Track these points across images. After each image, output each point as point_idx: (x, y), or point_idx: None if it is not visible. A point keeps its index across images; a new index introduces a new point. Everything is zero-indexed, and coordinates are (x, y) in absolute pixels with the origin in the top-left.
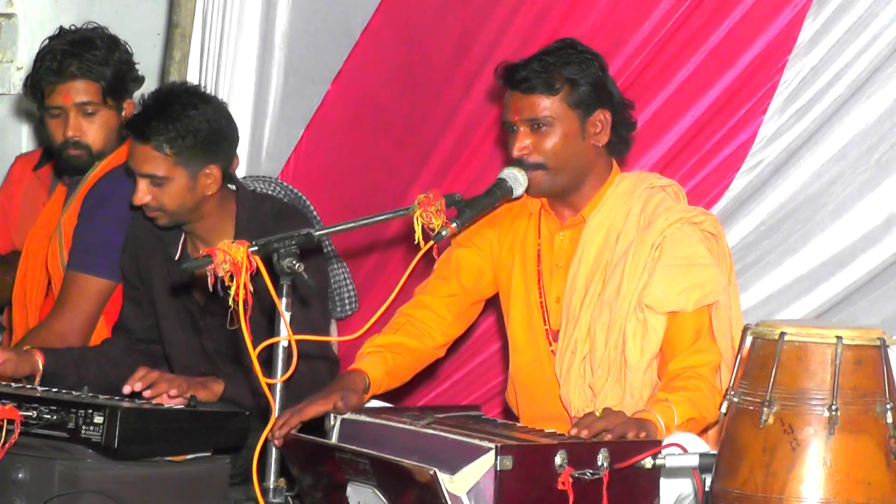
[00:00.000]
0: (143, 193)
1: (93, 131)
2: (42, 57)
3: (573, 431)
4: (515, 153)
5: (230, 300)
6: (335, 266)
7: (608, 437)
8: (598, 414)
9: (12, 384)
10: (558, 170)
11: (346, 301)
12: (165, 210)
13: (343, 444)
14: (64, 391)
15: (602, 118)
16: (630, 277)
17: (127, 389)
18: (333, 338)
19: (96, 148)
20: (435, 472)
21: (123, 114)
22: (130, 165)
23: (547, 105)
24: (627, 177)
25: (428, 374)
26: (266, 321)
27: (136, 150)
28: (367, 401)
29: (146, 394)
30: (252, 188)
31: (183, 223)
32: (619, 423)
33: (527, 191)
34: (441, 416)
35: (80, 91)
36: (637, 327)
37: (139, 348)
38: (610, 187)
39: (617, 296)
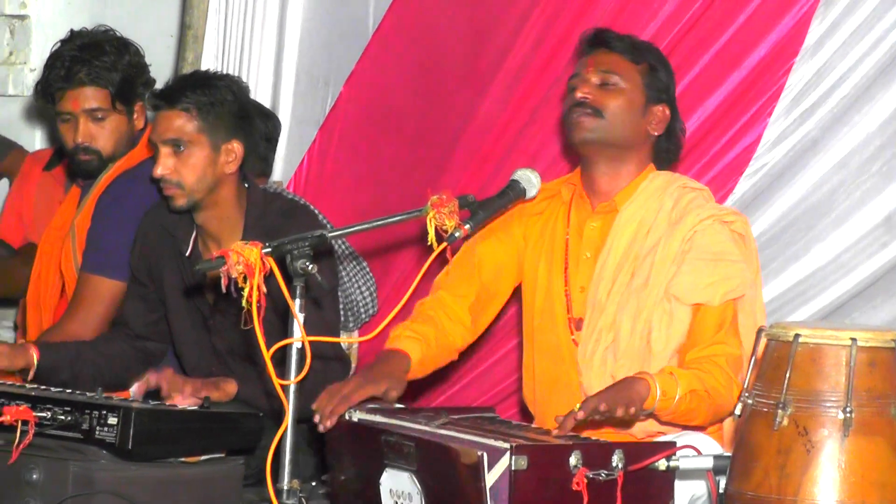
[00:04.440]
0: (164, 165)
1: (103, 137)
2: (52, 63)
3: (568, 421)
4: (578, 95)
5: (244, 301)
6: (352, 267)
7: (603, 405)
8: (576, 408)
9: (28, 386)
10: (611, 127)
11: (362, 308)
12: (184, 184)
13: (390, 425)
14: (78, 392)
15: (662, 112)
16: (659, 268)
17: (138, 394)
18: (348, 338)
19: (106, 153)
20: (482, 455)
21: (134, 117)
22: (153, 138)
23: (626, 68)
24: (661, 174)
25: (440, 374)
26: (279, 321)
27: (162, 118)
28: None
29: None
30: (262, 188)
31: (198, 207)
32: (605, 392)
33: (572, 136)
34: (455, 416)
35: (89, 97)
36: (663, 317)
37: (137, 345)
38: (644, 181)
39: (645, 285)
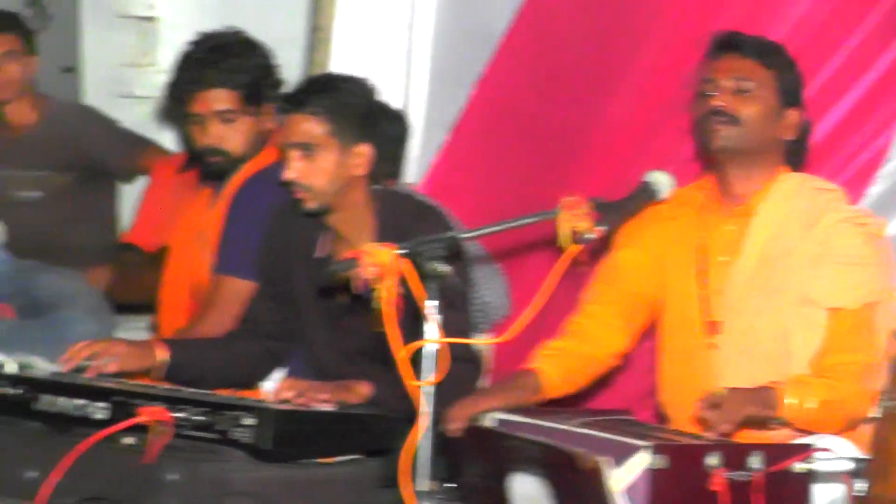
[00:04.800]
0: (293, 168)
1: (232, 138)
2: (180, 65)
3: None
4: (714, 103)
5: (376, 303)
6: (484, 269)
7: (725, 427)
8: (719, 394)
9: (161, 386)
10: (747, 135)
11: (494, 310)
12: (313, 188)
13: (512, 432)
14: (212, 392)
15: (794, 116)
16: (795, 271)
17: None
18: (482, 340)
19: (236, 154)
20: (603, 461)
21: (263, 118)
22: (282, 142)
23: (759, 73)
24: (793, 176)
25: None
26: (410, 322)
27: (291, 121)
28: (541, 402)
29: (299, 401)
30: (392, 189)
31: (328, 209)
32: (735, 409)
33: (708, 144)
34: (591, 418)
35: (218, 99)
36: (801, 321)
37: (265, 345)
38: (777, 183)
39: (782, 289)
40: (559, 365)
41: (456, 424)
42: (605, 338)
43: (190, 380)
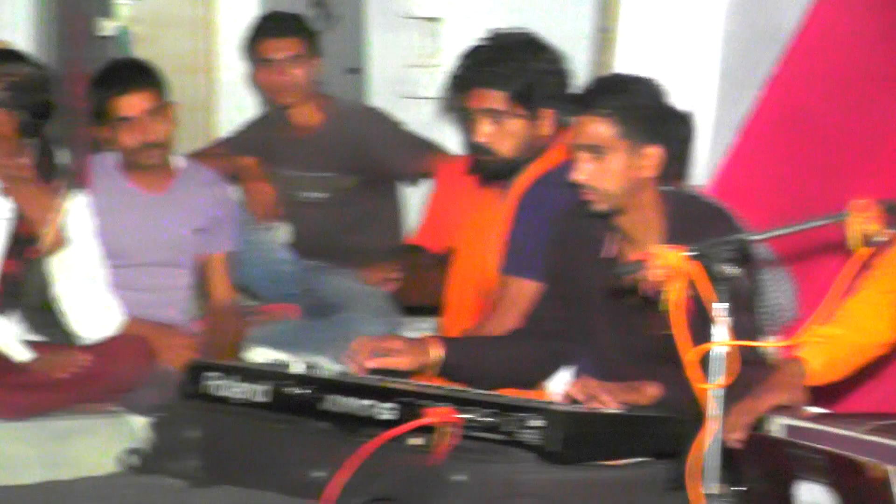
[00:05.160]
0: (583, 170)
1: (500, 139)
2: (462, 59)
3: None
4: None
5: (665, 305)
6: (772, 271)
7: None
8: None
9: (447, 387)
10: None
11: (782, 312)
12: (602, 190)
13: (797, 440)
14: (496, 393)
15: None
16: None
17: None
18: (772, 343)
19: (504, 155)
20: (890, 470)
21: (540, 122)
22: (571, 143)
23: None
24: None
25: (863, 380)
26: (700, 325)
27: (580, 122)
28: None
29: (587, 402)
30: (680, 191)
31: (617, 210)
32: None
33: None
34: (880, 423)
35: (487, 98)
36: None
37: (549, 344)
38: None
39: None
40: (823, 352)
41: (737, 435)
42: (873, 327)
43: (466, 378)
